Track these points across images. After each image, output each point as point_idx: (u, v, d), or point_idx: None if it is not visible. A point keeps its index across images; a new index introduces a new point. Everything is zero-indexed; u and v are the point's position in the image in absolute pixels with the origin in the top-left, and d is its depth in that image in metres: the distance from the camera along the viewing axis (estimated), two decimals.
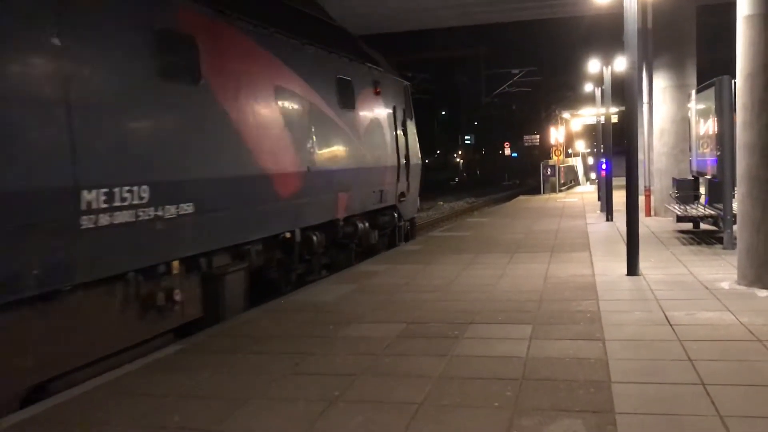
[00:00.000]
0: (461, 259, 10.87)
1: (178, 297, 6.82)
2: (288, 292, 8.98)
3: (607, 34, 23.91)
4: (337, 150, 10.61)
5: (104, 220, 5.66)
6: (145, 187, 6.16)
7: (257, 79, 8.34)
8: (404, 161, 13.96)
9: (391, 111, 13.42)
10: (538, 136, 47.16)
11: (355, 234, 11.48)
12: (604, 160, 18.81)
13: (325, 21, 12.16)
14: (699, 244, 11.42)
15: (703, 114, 12.10)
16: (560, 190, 31.64)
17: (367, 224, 11.97)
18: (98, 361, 5.96)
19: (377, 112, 12.67)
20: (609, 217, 16.21)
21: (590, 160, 39.12)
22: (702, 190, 13.82)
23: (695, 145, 13.02)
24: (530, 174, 32.71)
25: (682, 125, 15.32)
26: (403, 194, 13.89)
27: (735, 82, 8.11)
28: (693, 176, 13.80)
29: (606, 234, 13.68)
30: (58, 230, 5.26)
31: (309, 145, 9.61)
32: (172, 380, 5.29)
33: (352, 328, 6.68)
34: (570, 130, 42.57)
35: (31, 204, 5.01)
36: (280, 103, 8.86)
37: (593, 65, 21.38)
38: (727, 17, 11.07)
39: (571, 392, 4.55)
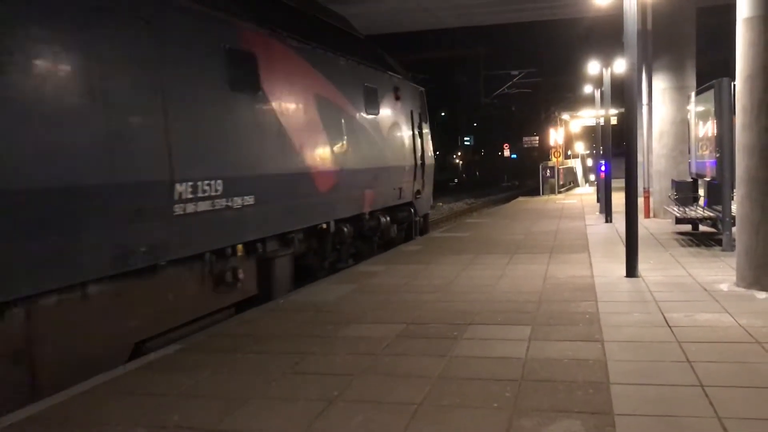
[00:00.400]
0: (461, 259, 10.88)
1: (240, 276, 8.04)
2: (321, 277, 10.14)
3: (606, 36, 23.95)
4: (364, 151, 11.73)
5: (190, 208, 6.88)
6: (219, 181, 7.36)
7: (301, 89, 9.55)
8: (420, 161, 15.01)
9: (408, 115, 14.56)
10: (537, 138, 47.17)
11: (378, 227, 12.69)
12: (603, 161, 18.82)
13: (352, 34, 13.47)
14: (698, 245, 11.44)
15: (703, 116, 12.11)
16: (559, 192, 31.65)
17: (387, 219, 13.17)
18: (181, 326, 7.15)
19: (397, 116, 13.80)
20: (608, 218, 16.23)
21: (589, 162, 39.14)
22: (701, 192, 13.84)
23: (694, 147, 13.04)
24: (529, 175, 32.74)
25: (682, 127, 15.33)
26: (418, 192, 15.02)
27: (734, 84, 8.13)
28: (692, 178, 13.81)
29: (605, 235, 13.69)
30: (159, 215, 6.48)
31: (342, 147, 10.74)
32: (171, 380, 5.30)
33: (351, 328, 6.69)
34: (569, 132, 42.61)
35: (140, 193, 6.25)
36: (318, 109, 10.00)
37: (593, 67, 21.39)
38: (726, 19, 11.09)
39: (570, 393, 4.56)
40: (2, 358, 5.17)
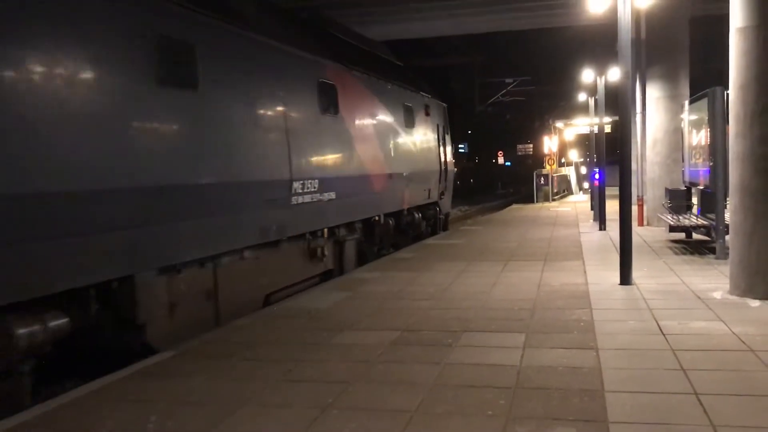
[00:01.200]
0: (455, 266, 10.87)
1: (326, 253, 10.70)
2: (371, 260, 12.52)
3: (600, 45, 24.03)
4: (404, 158, 14.55)
5: (300, 200, 9.57)
6: (316, 181, 10.03)
7: (364, 109, 12.44)
8: (444, 167, 17.84)
9: (435, 127, 17.45)
10: (531, 145, 47.23)
11: (413, 222, 15.53)
12: (597, 169, 18.87)
13: (394, 62, 16.74)
14: (691, 254, 11.47)
15: (696, 124, 12.17)
16: (553, 199, 31.70)
17: (419, 215, 15.93)
18: (289, 287, 9.70)
19: (427, 128, 16.67)
20: (602, 226, 16.26)
21: (583, 170, 39.24)
22: (694, 200, 13.89)
23: (688, 155, 13.09)
24: (523, 183, 32.78)
25: (675, 135, 15.40)
26: (442, 193, 17.86)
27: (728, 93, 8.17)
28: (686, 186, 13.86)
29: (599, 243, 13.72)
30: (282, 204, 9.17)
31: (389, 155, 13.58)
32: (165, 386, 5.27)
33: (345, 335, 6.67)
34: (563, 140, 42.72)
35: (273, 189, 8.92)
36: (374, 125, 12.88)
37: (587, 75, 21.48)
38: (720, 29, 11.16)
39: (565, 401, 4.56)
40: (202, 293, 7.72)
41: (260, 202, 8.59)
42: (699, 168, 11.90)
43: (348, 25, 16.24)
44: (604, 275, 9.50)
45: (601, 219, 16.47)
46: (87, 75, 6.00)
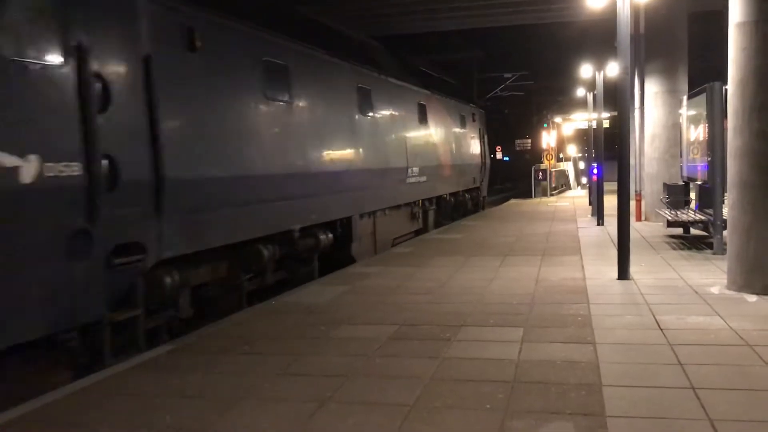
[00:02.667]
0: (453, 261, 10.89)
1: (419, 216, 16.31)
2: (439, 227, 17.57)
3: (599, 40, 24.00)
4: (460, 153, 20.11)
5: (409, 180, 14.69)
6: (417, 168, 15.21)
7: (440, 119, 17.92)
8: (483, 160, 23.82)
9: (478, 130, 23.21)
10: (529, 141, 47.16)
11: (464, 201, 21.33)
12: (595, 164, 18.88)
13: (453, 83, 22.94)
14: (689, 249, 11.49)
15: (694, 120, 12.17)
16: (551, 195, 31.70)
17: (468, 196, 21.81)
18: (402, 236, 14.94)
19: (473, 130, 22.37)
20: (600, 221, 16.27)
21: (581, 165, 39.25)
22: (692, 195, 13.90)
23: (686, 150, 13.10)
24: (522, 178, 32.90)
25: (674, 131, 15.41)
26: (482, 180, 23.79)
27: (726, 89, 8.17)
28: (684, 181, 13.87)
29: (597, 238, 13.73)
30: (402, 183, 14.35)
31: (452, 151, 19.11)
32: (163, 380, 5.28)
33: (344, 329, 6.68)
34: (562, 135, 42.69)
35: (399, 173, 14.03)
36: (445, 130, 18.46)
37: (586, 70, 21.46)
38: (718, 25, 11.15)
39: (563, 395, 4.57)
40: (370, 231, 12.78)
41: (394, 180, 13.95)
42: (697, 163, 11.91)
43: (347, 22, 17.88)
44: (601, 270, 9.51)
45: (599, 214, 16.49)
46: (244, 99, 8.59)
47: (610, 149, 20.28)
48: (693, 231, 12.85)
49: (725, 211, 8.72)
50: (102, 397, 4.94)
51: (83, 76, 5.77)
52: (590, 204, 20.14)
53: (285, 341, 6.32)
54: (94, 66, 5.91)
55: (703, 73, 19.42)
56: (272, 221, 8.83)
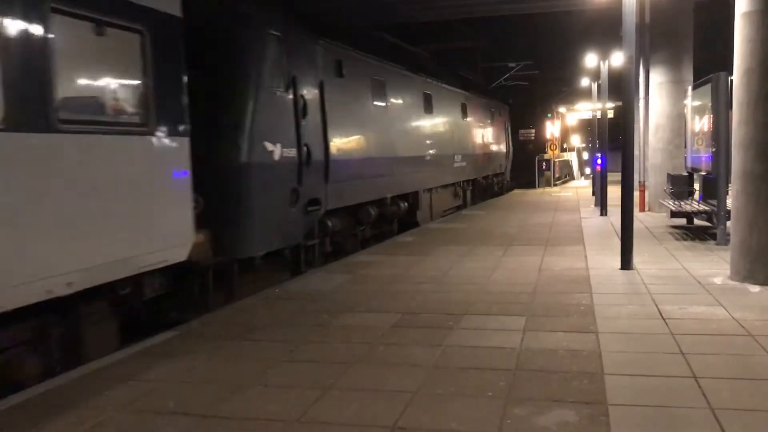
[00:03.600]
0: (456, 250, 10.90)
1: (459, 194, 19.86)
2: (474, 204, 21.07)
3: (604, 29, 23.90)
4: (491, 143, 24.22)
5: (454, 165, 18.57)
6: (460, 155, 18.99)
7: (477, 116, 21.69)
8: (507, 149, 27.64)
9: (503, 123, 27.12)
10: (533, 131, 47.03)
11: (492, 184, 25.15)
12: (599, 154, 18.84)
13: (486, 86, 28.45)
14: (692, 239, 11.48)
15: (699, 110, 12.13)
16: (555, 185, 31.65)
17: (495, 179, 25.65)
18: (448, 210, 18.40)
19: (500, 124, 26.25)
20: (603, 211, 16.25)
21: (585, 155, 39.13)
22: (696, 186, 13.87)
23: (690, 141, 13.06)
24: (525, 168, 33.02)
25: (678, 121, 15.35)
26: (507, 166, 27.78)
27: (732, 79, 8.13)
28: (687, 172, 13.83)
29: (600, 228, 13.72)
30: (449, 166, 18.06)
31: (485, 141, 23.08)
32: (166, 366, 5.31)
33: (346, 317, 6.70)
34: (566, 125, 42.56)
35: (448, 158, 17.84)
36: (480, 124, 22.29)
37: (590, 60, 21.37)
38: (724, 15, 11.09)
39: (565, 383, 4.59)
40: (429, 203, 16.15)
41: (445, 165, 17.41)
42: (701, 154, 11.88)
43: (351, 11, 18.35)
44: (604, 260, 9.52)
45: (602, 204, 16.47)
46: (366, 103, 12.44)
47: (614, 140, 20.20)
48: (696, 221, 12.84)
49: (729, 201, 8.70)
50: (106, 382, 4.96)
51: (295, 97, 9.25)
52: (593, 194, 20.11)
53: (289, 328, 6.35)
54: (300, 90, 9.39)
55: (708, 63, 19.31)
56: (375, 191, 12.46)
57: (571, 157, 40.62)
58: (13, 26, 4.79)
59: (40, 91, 4.99)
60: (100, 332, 5.93)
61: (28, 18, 4.89)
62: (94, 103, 5.73)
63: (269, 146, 8.51)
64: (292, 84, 9.16)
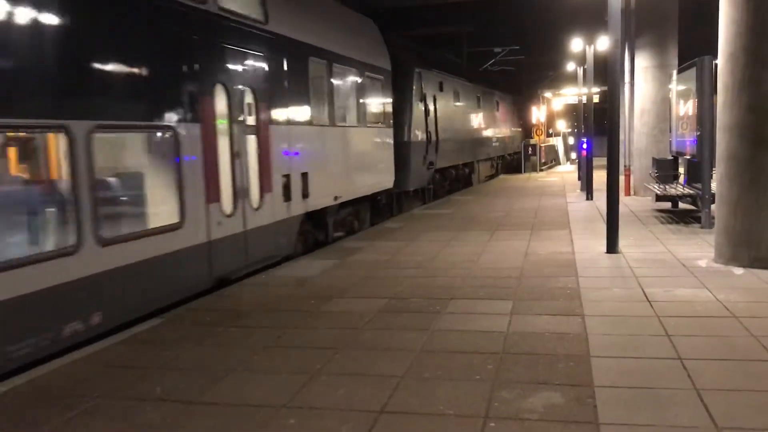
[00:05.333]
0: (442, 236, 10.91)
1: (494, 166, 28.86)
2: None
3: (590, 14, 23.90)
4: (511, 127, 31.94)
5: (491, 144, 27.10)
6: (495, 138, 27.82)
7: (504, 108, 30.05)
8: (516, 132, 34.28)
9: (511, 109, 32.61)
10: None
11: (513, 159, 31.69)
12: (584, 139, 18.90)
13: (507, 78, 40.06)
14: (677, 223, 11.56)
15: (684, 95, 12.18)
16: (541, 170, 31.71)
17: (514, 156, 31.96)
18: (486, 177, 26.63)
19: (510, 110, 32.10)
20: (589, 196, 16.34)
21: (571, 140, 39.23)
22: (681, 170, 13.95)
23: (675, 125, 13.12)
24: (511, 153, 33.71)
25: (663, 105, 15.42)
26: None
27: (716, 63, 8.16)
28: (672, 156, 13.91)
29: (586, 213, 13.79)
30: (489, 146, 26.83)
31: (507, 126, 30.80)
32: (153, 352, 5.29)
33: (333, 302, 6.70)
34: (551, 110, 42.62)
35: (489, 140, 26.73)
36: (505, 114, 30.38)
37: (576, 44, 21.39)
38: None
39: (551, 366, 4.62)
40: (477, 172, 24.55)
41: (487, 143, 25.74)
42: (686, 138, 11.93)
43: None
44: (590, 244, 9.56)
45: (588, 189, 16.55)
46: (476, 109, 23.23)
47: (599, 124, 20.27)
48: (681, 205, 12.93)
49: (713, 185, 8.76)
50: (93, 369, 4.94)
51: (425, 105, 16.29)
52: (579, 179, 20.19)
53: (275, 314, 6.34)
54: (426, 101, 16.41)
55: (693, 47, 19.36)
56: (456, 159, 20.46)
57: (557, 142, 40.72)
58: (350, 84, 12.24)
59: (357, 110, 12.60)
60: (366, 212, 13.36)
61: (358, 76, 12.43)
62: (368, 112, 13.14)
63: (417, 133, 15.93)
64: (423, 98, 16.38)
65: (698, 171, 10.67)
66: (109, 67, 6.21)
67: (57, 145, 5.61)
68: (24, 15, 5.22)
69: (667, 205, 13.36)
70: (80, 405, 4.26)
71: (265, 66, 8.90)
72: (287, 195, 9.32)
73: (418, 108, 15.79)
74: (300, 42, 9.97)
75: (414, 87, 15.44)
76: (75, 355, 5.32)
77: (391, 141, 14.20)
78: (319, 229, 10.85)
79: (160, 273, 6.61)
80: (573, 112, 35.97)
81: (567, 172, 30.40)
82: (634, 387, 4.21)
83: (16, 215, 5.46)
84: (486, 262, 8.54)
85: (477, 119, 23.87)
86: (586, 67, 18.92)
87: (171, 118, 6.95)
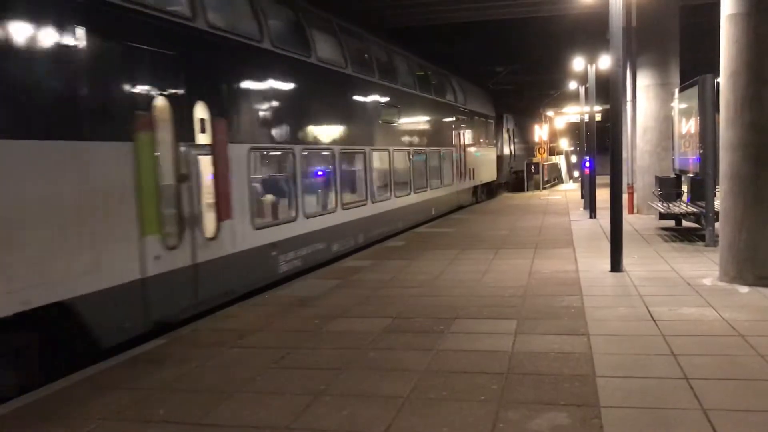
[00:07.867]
0: (446, 255, 10.89)
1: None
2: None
3: (591, 33, 24.05)
4: (518, 144, 37.69)
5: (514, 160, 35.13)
6: (517, 153, 35.05)
7: (530, 131, 40.13)
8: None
9: (509, 129, 36.78)
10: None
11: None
12: (587, 157, 18.91)
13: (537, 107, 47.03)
14: (681, 241, 11.53)
15: (686, 113, 12.20)
16: (544, 188, 31.80)
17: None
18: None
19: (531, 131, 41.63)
20: (592, 214, 16.31)
21: (574, 158, 39.32)
22: (684, 187, 13.94)
23: (678, 143, 13.13)
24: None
25: (665, 123, 15.44)
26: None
27: (718, 81, 8.18)
28: (675, 174, 13.91)
29: (589, 231, 13.76)
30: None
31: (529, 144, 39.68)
32: (156, 374, 5.26)
33: (337, 322, 6.67)
34: (554, 128, 42.73)
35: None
36: (531, 133, 40.46)
37: (578, 63, 21.48)
38: (710, 17, 11.15)
39: (557, 386, 4.58)
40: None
41: (531, 155, 35.75)
42: (689, 156, 11.93)
43: (343, 18, 18.23)
44: (594, 262, 9.53)
45: (591, 207, 16.53)
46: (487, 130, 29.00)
47: (602, 143, 20.28)
48: (685, 223, 12.90)
49: (717, 203, 8.74)
50: (95, 390, 4.91)
51: (509, 135, 31.39)
52: (582, 197, 20.18)
53: (278, 334, 6.31)
54: (509, 133, 31.38)
55: (694, 65, 19.45)
56: (521, 165, 32.96)
57: (560, 160, 40.79)
58: (483, 126, 25.80)
59: (486, 138, 26.26)
60: (469, 195, 22.97)
61: (485, 120, 26.23)
62: (488, 139, 26.61)
63: (506, 149, 30.04)
64: (507, 130, 29.83)
65: (701, 189, 10.67)
66: None
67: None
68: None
69: (671, 223, 13.34)
70: (82, 427, 4.24)
71: (468, 125, 22.17)
72: (473, 176, 23.05)
73: (504, 136, 29.58)
74: (474, 111, 23.41)
75: (504, 124, 29.51)
76: (76, 377, 5.30)
77: (494, 155, 27.48)
78: (474, 195, 23.54)
79: None
80: (576, 131, 36.12)
81: (570, 190, 30.44)
82: (640, 407, 4.17)
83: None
84: (490, 281, 8.51)
85: (528, 139, 36.69)
86: (587, 85, 18.98)
87: None
